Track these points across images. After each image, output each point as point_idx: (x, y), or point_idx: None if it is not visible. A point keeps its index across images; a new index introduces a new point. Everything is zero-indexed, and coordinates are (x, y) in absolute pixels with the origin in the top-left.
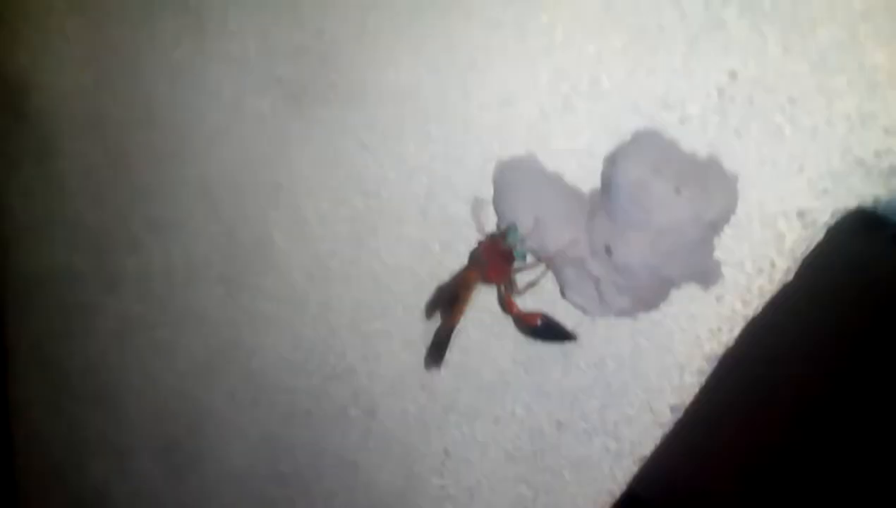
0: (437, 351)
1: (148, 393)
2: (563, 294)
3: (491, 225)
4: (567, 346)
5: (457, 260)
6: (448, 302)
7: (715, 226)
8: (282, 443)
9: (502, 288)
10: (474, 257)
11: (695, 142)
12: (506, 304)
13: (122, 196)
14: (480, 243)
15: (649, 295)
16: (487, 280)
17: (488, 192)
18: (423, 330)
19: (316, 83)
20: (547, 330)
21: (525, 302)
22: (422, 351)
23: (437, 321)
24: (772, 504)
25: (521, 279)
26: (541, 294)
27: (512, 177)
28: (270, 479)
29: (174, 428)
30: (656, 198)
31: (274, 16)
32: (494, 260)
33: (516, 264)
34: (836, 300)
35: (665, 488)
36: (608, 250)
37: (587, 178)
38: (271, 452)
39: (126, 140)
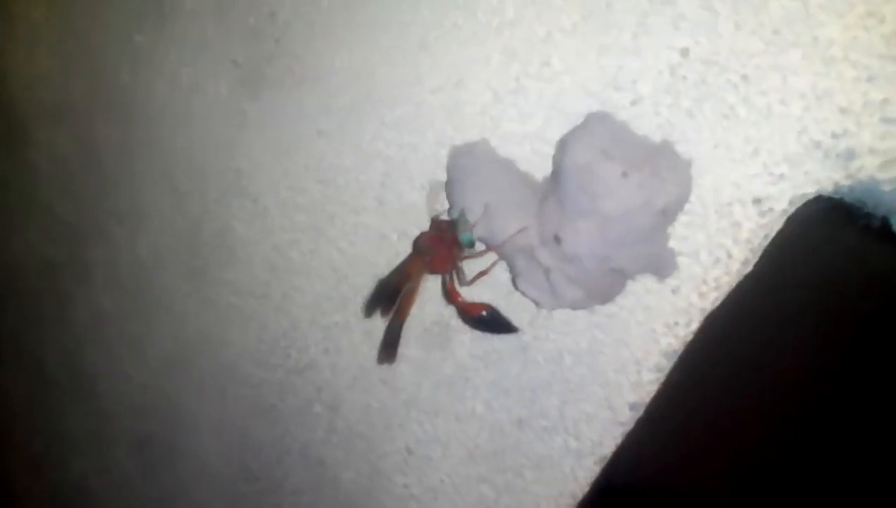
0: (388, 347)
1: (122, 387)
2: (514, 285)
3: (445, 211)
4: (525, 339)
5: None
6: (389, 297)
7: (667, 214)
8: (250, 440)
9: (447, 277)
10: (417, 246)
11: (647, 124)
12: (449, 294)
13: (91, 186)
14: (423, 232)
15: (603, 286)
16: (432, 269)
17: (443, 179)
18: (382, 323)
19: (271, 67)
20: (491, 321)
21: (482, 295)
22: None
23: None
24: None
25: (471, 269)
26: (495, 286)
27: (465, 163)
28: (241, 476)
29: (148, 423)
30: (603, 183)
31: None
32: (439, 248)
33: (464, 252)
34: (801, 294)
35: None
36: (557, 239)
37: (540, 164)
38: (241, 448)
39: (93, 128)
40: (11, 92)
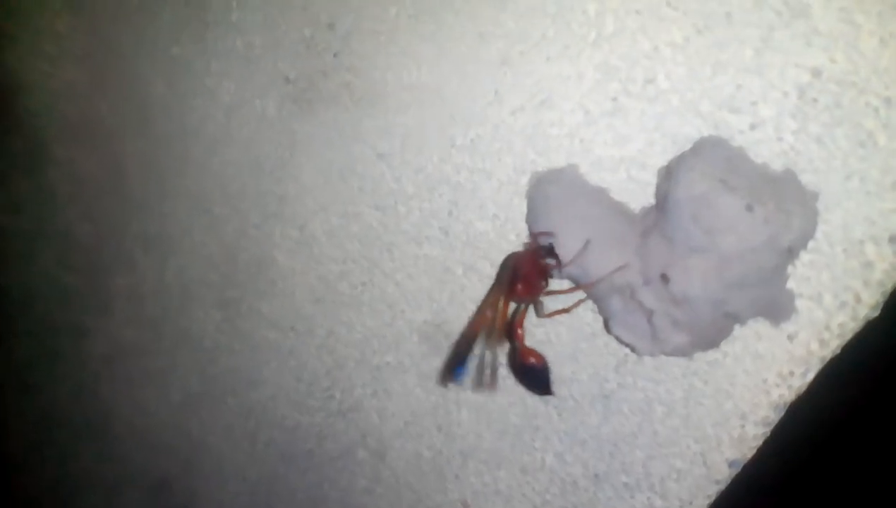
0: (450, 363)
1: (139, 425)
2: (606, 328)
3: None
4: (608, 387)
5: (480, 285)
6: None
7: (792, 252)
8: (281, 486)
9: (521, 307)
10: (508, 263)
11: (766, 151)
12: (513, 326)
13: (115, 209)
14: (516, 251)
15: (711, 331)
16: (514, 293)
17: (520, 210)
18: (441, 365)
19: (327, 83)
20: (534, 375)
21: (560, 335)
22: (439, 387)
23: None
24: None
25: (551, 305)
26: (576, 328)
27: (550, 191)
28: None
29: (166, 465)
30: (724, 217)
31: (282, 7)
32: (531, 272)
33: (552, 286)
34: None
35: None
36: (665, 278)
37: (638, 193)
38: (270, 495)
39: (120, 147)
40: (31, 107)
